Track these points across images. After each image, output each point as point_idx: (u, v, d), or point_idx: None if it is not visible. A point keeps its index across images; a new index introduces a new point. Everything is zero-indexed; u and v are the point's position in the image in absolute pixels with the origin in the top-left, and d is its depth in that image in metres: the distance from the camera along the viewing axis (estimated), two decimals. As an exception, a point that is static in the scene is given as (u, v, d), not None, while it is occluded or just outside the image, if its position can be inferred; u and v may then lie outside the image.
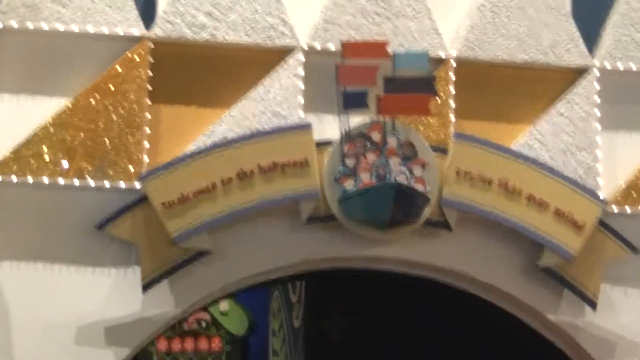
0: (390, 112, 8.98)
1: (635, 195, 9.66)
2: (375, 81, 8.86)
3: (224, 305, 13.65)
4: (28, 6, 8.97)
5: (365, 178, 8.94)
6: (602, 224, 9.42)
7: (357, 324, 12.22)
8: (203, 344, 13.76)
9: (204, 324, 13.67)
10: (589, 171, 9.59)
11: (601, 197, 9.42)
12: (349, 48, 8.96)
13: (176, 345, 13.46)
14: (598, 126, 9.67)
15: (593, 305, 9.34)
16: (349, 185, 8.94)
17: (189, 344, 13.43)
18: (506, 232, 9.28)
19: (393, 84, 8.90)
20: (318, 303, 12.93)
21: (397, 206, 8.81)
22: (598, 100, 9.70)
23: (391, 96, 8.89)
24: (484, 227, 9.32)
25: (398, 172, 8.96)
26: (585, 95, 9.69)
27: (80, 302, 8.76)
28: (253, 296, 13.59)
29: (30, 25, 8.96)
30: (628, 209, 9.62)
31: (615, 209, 9.59)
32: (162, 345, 13.30)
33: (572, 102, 9.67)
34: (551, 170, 9.36)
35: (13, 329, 8.69)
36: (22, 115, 8.91)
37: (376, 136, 9.06)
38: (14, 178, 8.75)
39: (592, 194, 9.39)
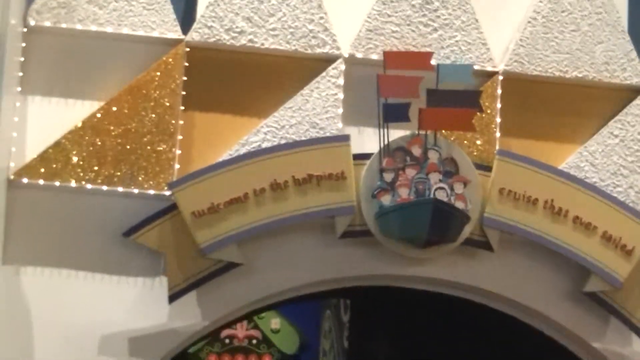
0: (432, 126, 8.59)
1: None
2: (418, 93, 8.50)
3: (275, 323, 13.40)
4: (64, 7, 8.68)
5: (404, 193, 8.50)
6: (655, 251, 8.94)
7: (403, 347, 11.78)
8: (253, 360, 13.49)
9: (254, 341, 13.37)
10: None
11: (654, 223, 8.93)
12: (391, 58, 8.64)
13: (225, 362, 13.18)
14: None
15: (640, 333, 8.90)
16: (386, 200, 8.51)
17: (239, 362, 13.15)
18: (550, 255, 8.83)
19: (436, 97, 8.55)
20: (363, 324, 12.51)
21: (436, 223, 8.37)
22: None
23: (434, 109, 8.53)
24: (528, 249, 8.88)
25: (438, 189, 8.52)
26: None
27: (104, 311, 8.45)
28: (305, 315, 13.48)
29: (63, 25, 8.66)
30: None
31: (667, 234, 9.05)
32: (212, 360, 13.02)
33: (626, 122, 9.18)
34: (600, 192, 8.89)
35: (35, 336, 8.37)
36: (53, 117, 8.62)
37: (416, 150, 8.64)
38: (41, 181, 8.42)
39: (643, 217, 8.92)
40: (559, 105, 9.25)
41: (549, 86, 9.22)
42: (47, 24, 8.67)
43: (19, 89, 8.58)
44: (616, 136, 9.15)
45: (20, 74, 8.60)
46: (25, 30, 8.67)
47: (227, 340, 12.74)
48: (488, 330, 9.83)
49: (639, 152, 9.16)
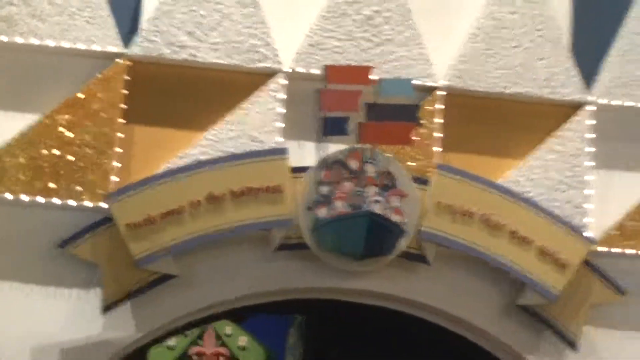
0: (371, 139, 8.45)
1: (627, 236, 9.00)
2: (358, 107, 8.35)
3: (242, 341, 13.26)
4: (5, 20, 8.58)
5: (340, 207, 8.34)
6: (590, 264, 8.80)
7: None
8: (220, 378, 13.37)
9: (222, 359, 13.23)
10: (577, 209, 8.97)
11: (590, 237, 8.79)
12: (332, 72, 8.47)
13: (196, 378, 13.06)
14: (590, 164, 9.04)
15: (574, 346, 8.73)
16: (322, 213, 8.36)
17: (207, 379, 13.02)
18: (487, 268, 8.71)
19: (375, 111, 8.40)
20: (319, 338, 12.37)
21: (371, 237, 8.27)
22: (591, 137, 9.07)
23: (373, 123, 8.40)
24: (464, 262, 8.75)
25: (374, 202, 8.36)
26: (579, 131, 9.10)
27: (39, 322, 8.33)
28: (271, 332, 13.36)
29: (4, 38, 8.56)
30: (618, 250, 8.97)
31: (605, 249, 8.93)
32: (182, 379, 12.91)
33: (564, 138, 9.08)
34: (537, 207, 8.77)
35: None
36: (-5, 130, 8.56)
37: (354, 164, 8.49)
38: (-25, 193, 8.40)
39: (578, 232, 8.78)
40: (500, 121, 9.14)
41: (490, 102, 9.11)
42: (-13, 36, 8.62)
43: (-42, 100, 8.54)
44: (555, 151, 9.04)
45: (-40, 86, 8.57)
46: (-35, 45, 8.63)
47: (195, 358, 12.62)
48: (430, 344, 9.63)
49: (577, 168, 9.03)
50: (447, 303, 8.77)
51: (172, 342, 12.24)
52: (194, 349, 12.59)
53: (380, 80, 8.44)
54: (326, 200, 8.37)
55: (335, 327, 11.49)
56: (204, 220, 8.28)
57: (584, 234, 8.78)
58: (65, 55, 8.63)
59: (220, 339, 12.82)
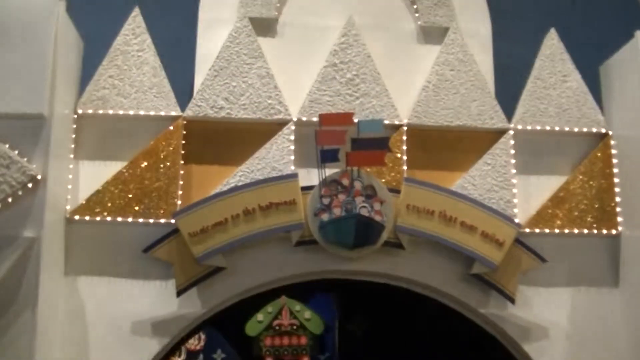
0: (355, 164, 8.66)
1: (544, 220, 9.17)
2: (345, 141, 8.57)
3: (307, 314, 13.46)
4: (101, 99, 8.98)
5: (337, 212, 8.63)
6: (519, 242, 8.95)
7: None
8: (294, 340, 13.64)
9: (295, 327, 13.51)
10: (507, 204, 9.11)
11: (517, 222, 8.96)
12: (324, 118, 8.69)
13: (277, 341, 13.32)
14: (513, 171, 9.21)
15: (512, 300, 8.87)
16: (325, 217, 8.65)
17: (285, 340, 13.28)
18: (447, 249, 8.87)
19: (358, 143, 8.60)
20: (345, 310, 12.57)
21: (359, 231, 8.53)
22: (513, 152, 9.26)
23: (356, 152, 8.57)
24: (431, 246, 8.90)
25: (361, 207, 8.65)
26: (504, 149, 9.23)
27: (135, 305, 8.63)
28: (323, 307, 13.54)
29: (100, 111, 8.98)
30: (537, 230, 9.14)
31: (528, 230, 9.11)
32: (268, 341, 13.17)
33: (495, 154, 9.21)
34: (478, 204, 8.91)
35: (88, 324, 8.57)
36: (97, 174, 8.85)
37: (346, 181, 8.73)
38: (87, 218, 8.74)
39: (509, 219, 8.93)
40: (449, 146, 9.26)
41: (440, 133, 9.26)
42: (90, 111, 8.97)
43: (72, 156, 8.89)
44: (489, 164, 9.17)
45: (73, 145, 8.92)
46: (75, 116, 8.97)
47: (277, 327, 12.84)
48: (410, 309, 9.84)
49: (505, 175, 9.13)
50: (420, 275, 8.92)
51: (260, 317, 12.51)
52: (276, 321, 12.86)
53: (359, 121, 8.68)
54: (327, 208, 8.64)
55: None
56: (241, 228, 8.54)
57: (514, 220, 8.93)
58: (141, 120, 8.96)
59: (292, 314, 13.09)
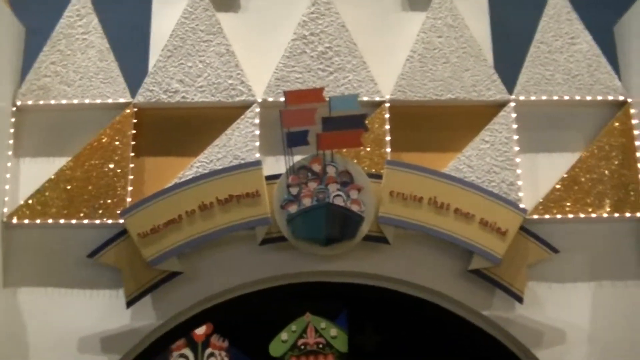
0: (328, 146, 7.37)
1: (554, 204, 7.68)
2: (314, 122, 7.28)
3: (333, 332, 12.29)
4: (41, 88, 7.85)
5: (307, 202, 7.32)
6: (526, 230, 7.49)
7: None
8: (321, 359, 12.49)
9: (321, 346, 12.33)
10: (511, 187, 7.66)
11: (522, 207, 7.50)
12: (290, 96, 7.42)
13: (304, 362, 12.19)
14: (517, 149, 7.76)
15: (520, 300, 7.41)
16: (293, 209, 7.33)
17: (313, 360, 12.18)
18: (440, 242, 7.47)
19: (330, 123, 7.31)
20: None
21: (332, 223, 7.20)
22: (515, 127, 7.80)
23: (328, 133, 7.30)
24: (420, 239, 7.53)
25: (336, 196, 7.33)
26: (505, 124, 7.81)
27: (81, 318, 7.42)
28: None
29: (41, 102, 7.83)
30: (547, 216, 7.64)
31: (536, 216, 7.63)
32: (294, 362, 12.03)
33: (494, 130, 7.81)
34: (475, 187, 7.51)
35: (29, 342, 7.41)
36: (39, 173, 7.71)
37: (317, 167, 7.45)
38: (26, 221, 7.55)
39: (513, 204, 7.49)
40: (439, 124, 7.91)
41: (429, 109, 7.91)
42: (30, 102, 7.84)
43: (10, 153, 7.74)
44: (487, 142, 7.78)
45: (11, 141, 7.78)
46: (14, 109, 7.84)
47: (302, 347, 11.71)
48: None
49: (507, 153, 7.74)
50: (410, 274, 7.54)
51: (284, 336, 11.35)
52: (301, 340, 11.71)
53: (331, 98, 7.38)
54: (295, 199, 7.36)
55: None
56: (198, 225, 7.31)
57: (519, 206, 7.50)
58: (87, 109, 7.80)
59: (318, 332, 11.94)
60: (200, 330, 8.83)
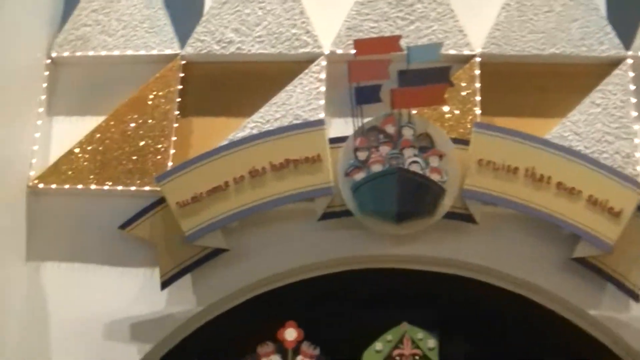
0: (404, 104, 6.12)
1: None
2: (388, 75, 6.07)
3: (430, 343, 11.18)
4: (80, 38, 6.87)
5: (377, 169, 6.01)
6: (645, 211, 6.07)
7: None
8: (418, 373, 11.33)
9: (417, 357, 11.24)
10: (627, 159, 6.27)
11: (640, 183, 6.08)
12: (360, 45, 6.25)
13: (398, 375, 11.01)
14: (635, 114, 6.36)
15: (636, 297, 5.97)
16: (359, 177, 6.03)
17: (408, 374, 10.98)
18: (537, 223, 6.10)
19: (407, 77, 6.08)
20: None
21: (404, 193, 5.89)
22: (634, 88, 6.42)
23: (404, 89, 6.08)
24: (514, 220, 6.17)
25: (412, 163, 5.99)
26: (621, 85, 6.46)
27: (110, 300, 6.35)
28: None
29: (79, 53, 6.83)
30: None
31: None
32: (386, 374, 10.88)
33: (607, 92, 6.45)
34: (582, 157, 6.15)
35: (51, 324, 6.40)
36: (74, 133, 6.70)
37: (390, 129, 6.19)
38: (53, 186, 6.50)
39: (629, 180, 6.07)
40: (539, 83, 6.61)
41: (528, 66, 6.62)
42: (66, 54, 6.86)
43: (41, 110, 6.72)
44: (598, 105, 6.42)
45: (43, 97, 6.77)
46: (48, 61, 6.85)
47: (397, 358, 10.69)
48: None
49: (623, 119, 6.36)
50: (499, 262, 6.17)
51: (378, 346, 10.22)
52: (396, 351, 10.57)
53: (409, 48, 6.11)
54: (363, 165, 6.07)
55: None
56: (247, 194, 6.13)
57: (637, 182, 6.05)
58: (129, 62, 6.80)
59: (414, 343, 10.78)
60: (291, 336, 7.52)
